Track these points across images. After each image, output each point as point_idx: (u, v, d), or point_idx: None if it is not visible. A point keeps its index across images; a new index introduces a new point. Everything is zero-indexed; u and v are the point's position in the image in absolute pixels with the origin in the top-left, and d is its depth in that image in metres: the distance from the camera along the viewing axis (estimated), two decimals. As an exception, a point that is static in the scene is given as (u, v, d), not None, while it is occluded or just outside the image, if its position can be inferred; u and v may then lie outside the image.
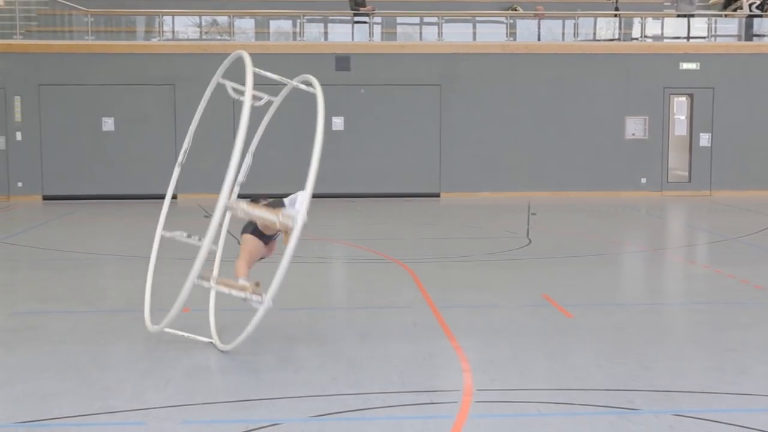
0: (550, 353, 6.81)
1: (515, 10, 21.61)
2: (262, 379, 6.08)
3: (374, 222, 15.90)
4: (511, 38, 20.92)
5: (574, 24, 21.30)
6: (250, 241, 7.12)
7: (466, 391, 5.81)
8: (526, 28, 21.33)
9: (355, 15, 20.69)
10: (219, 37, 21.05)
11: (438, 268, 10.72)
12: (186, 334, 7.04)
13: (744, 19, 21.23)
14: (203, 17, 21.31)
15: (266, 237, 7.14)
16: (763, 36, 21.37)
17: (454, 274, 10.38)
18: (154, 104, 20.03)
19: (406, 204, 18.65)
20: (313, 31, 21.16)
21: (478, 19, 21.37)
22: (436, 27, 21.07)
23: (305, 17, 20.75)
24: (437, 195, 20.03)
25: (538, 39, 21.02)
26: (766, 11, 21.33)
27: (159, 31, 20.81)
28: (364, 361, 6.51)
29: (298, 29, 20.79)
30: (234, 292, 6.49)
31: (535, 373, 6.30)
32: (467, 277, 10.13)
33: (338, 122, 19.76)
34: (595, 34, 21.64)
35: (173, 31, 21.05)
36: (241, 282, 6.63)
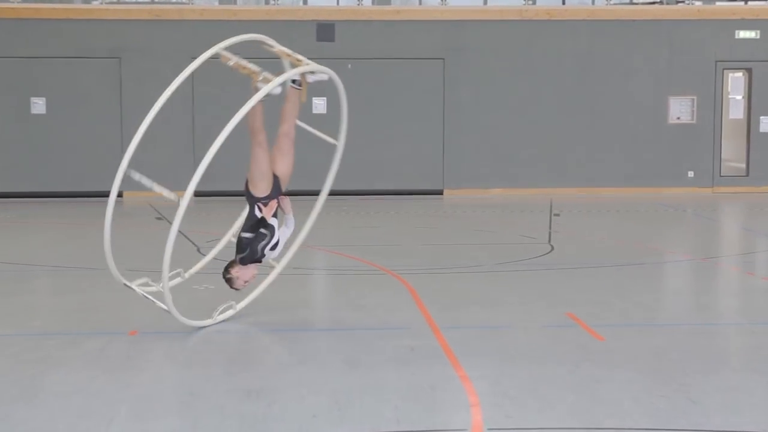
0: (577, 384, 6.83)
1: (535, -33, 21.69)
2: (228, 416, 6.09)
3: (364, 225, 15.92)
4: (530, 2, 20.97)
5: (607, -16, 21.38)
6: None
7: (474, 430, 5.83)
8: (549, -11, 21.42)
9: (341, -27, 20.76)
10: (174, 0, 21.06)
11: (440, 281, 10.75)
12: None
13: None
14: (155, -25, 21.32)
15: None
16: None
17: (459, 288, 10.40)
18: (96, 81, 20.04)
19: (403, 203, 18.67)
20: (289, -8, 21.23)
21: (490, -22, 21.44)
22: (440, -12, 21.13)
23: (280, -24, 20.80)
24: (440, 192, 20.08)
25: (563, 2, 21.08)
26: None
27: (101, -7, 20.80)
28: (351, 394, 6.51)
29: (271, -10, 20.84)
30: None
31: (558, 408, 6.31)
32: (475, 292, 10.15)
33: (320, 104, 19.79)
34: (632, -5, 21.73)
35: (118, -7, 21.06)
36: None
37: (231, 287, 8.24)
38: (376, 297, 9.86)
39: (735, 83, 20.88)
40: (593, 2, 21.38)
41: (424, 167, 20.12)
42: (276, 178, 8.37)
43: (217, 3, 20.89)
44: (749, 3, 21.23)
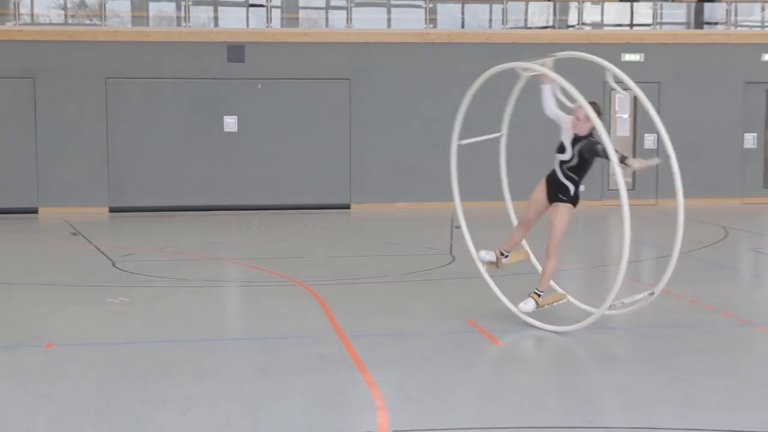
0: (478, 387, 6.92)
1: (435, -8, 21.89)
2: (143, 423, 6.02)
3: (274, 239, 15.87)
4: (431, 25, 21.18)
5: (503, 9, 21.67)
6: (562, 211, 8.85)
7: (381, 433, 5.86)
8: (449, 13, 21.61)
9: (250, -3, 20.69)
10: (88, 22, 20.77)
11: (348, 291, 10.77)
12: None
13: (693, 5, 21.90)
14: (69, -3, 21.00)
15: None
16: (715, 24, 22.09)
17: (366, 297, 10.44)
18: (9, 101, 19.62)
19: (311, 217, 18.66)
20: (201, 15, 21.07)
21: (393, 2, 21.58)
22: (345, 12, 21.20)
23: (191, 0, 20.65)
24: (347, 207, 20.11)
25: (462, 26, 21.31)
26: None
27: (14, 14, 20.41)
28: (262, 400, 6.50)
29: (183, 13, 20.66)
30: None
31: (459, 409, 6.38)
32: (381, 301, 10.20)
33: (230, 122, 19.67)
34: (526, 21, 22.05)
35: (32, 14, 20.69)
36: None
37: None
38: (286, 307, 9.85)
39: (621, 103, 21.34)
40: (491, 26, 21.66)
41: (331, 183, 20.14)
42: None
43: (130, 25, 20.65)
44: (634, 28, 21.74)
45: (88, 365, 7.31)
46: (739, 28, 22.08)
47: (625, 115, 21.37)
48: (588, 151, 8.46)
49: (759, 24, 22.35)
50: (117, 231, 16.37)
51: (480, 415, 6.29)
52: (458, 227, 16.48)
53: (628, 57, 20.91)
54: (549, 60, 8.82)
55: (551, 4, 21.77)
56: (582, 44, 20.90)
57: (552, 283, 9.27)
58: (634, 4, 21.87)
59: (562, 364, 7.55)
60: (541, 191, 9.12)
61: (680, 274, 12.07)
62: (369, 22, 21.19)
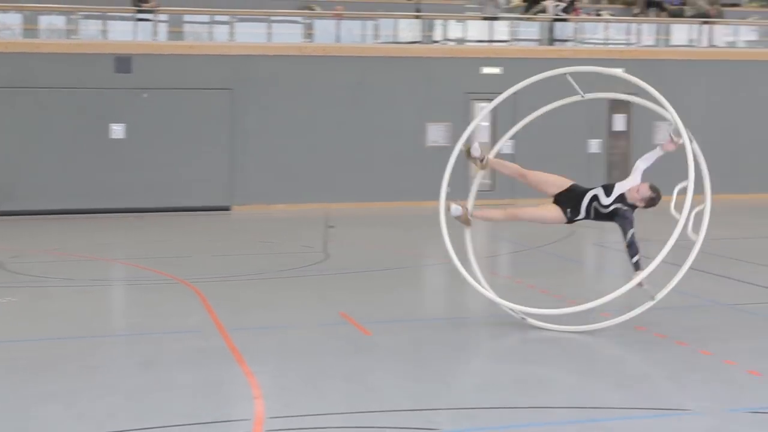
0: (348, 375, 6.95)
1: (312, 9, 21.85)
2: (31, 418, 5.86)
3: (157, 239, 15.56)
4: (309, 39, 21.14)
5: (375, 25, 21.77)
6: (544, 209, 8.42)
7: (257, 420, 5.83)
8: (325, 29, 21.61)
9: (138, 11, 20.27)
10: (-22, 33, 20.05)
11: (228, 288, 10.67)
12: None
13: (546, 24, 22.41)
14: (-42, 10, 20.25)
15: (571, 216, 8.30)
16: (565, 41, 22.65)
17: (245, 293, 10.36)
18: None
19: (195, 219, 18.40)
20: (89, 28, 20.56)
21: (272, 18, 21.45)
22: (228, 26, 20.97)
23: (80, 13, 20.13)
24: (228, 208, 19.89)
25: (337, 41, 21.34)
26: (570, 13, 22.60)
27: None
28: (146, 393, 6.41)
29: (72, 26, 20.14)
30: None
31: (331, 396, 6.41)
32: (260, 297, 10.14)
33: (118, 130, 19.24)
34: (396, 36, 22.22)
35: None
36: None
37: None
38: (169, 304, 9.70)
39: (481, 112, 21.64)
40: (363, 41, 21.73)
41: (213, 186, 19.88)
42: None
43: (21, 37, 20.02)
44: (492, 44, 22.12)
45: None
46: (585, 45, 22.70)
47: (485, 123, 21.69)
48: (618, 216, 8.09)
49: (603, 41, 23.02)
50: (4, 234, 15.84)
51: (349, 400, 6.32)
52: (332, 227, 16.56)
53: (487, 70, 21.24)
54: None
55: (419, 21, 21.99)
56: (446, 58, 21.21)
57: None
58: (493, 22, 22.25)
59: (426, 352, 7.64)
60: (559, 185, 8.54)
61: (532, 266, 12.39)
62: (250, 36, 21.04)
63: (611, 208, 8.09)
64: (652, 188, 8.05)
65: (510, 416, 6.08)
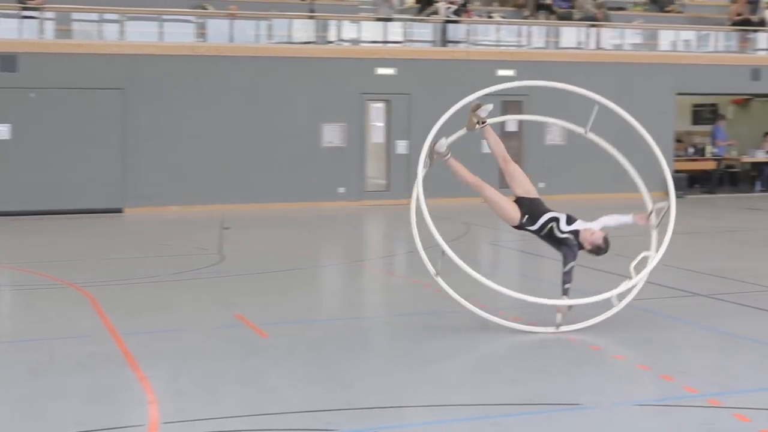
0: (244, 377, 6.87)
1: (205, 8, 21.57)
2: None
3: (45, 243, 15.11)
4: (201, 39, 20.86)
5: (269, 25, 21.62)
6: (507, 201, 8.55)
7: (151, 425, 5.72)
8: (218, 28, 21.36)
9: (23, 9, 19.69)
10: None
11: (120, 291, 10.44)
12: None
13: (439, 25, 22.60)
14: None
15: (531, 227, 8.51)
16: (458, 42, 22.88)
17: (138, 297, 10.15)
18: None
19: (85, 221, 17.96)
20: (-29, 26, 19.89)
21: (164, 17, 21.08)
22: (118, 25, 20.54)
23: (-39, 9, 19.46)
24: (120, 210, 19.48)
25: (231, 41, 21.12)
26: (462, 15, 22.82)
27: None
28: (34, 400, 6.22)
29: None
30: None
31: (227, 399, 6.32)
32: (153, 300, 9.95)
33: (3, 130, 18.67)
34: (290, 36, 22.10)
35: None
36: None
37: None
38: (59, 309, 9.43)
39: (376, 112, 21.71)
40: (257, 41, 21.55)
41: (104, 188, 19.44)
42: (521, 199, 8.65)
43: None
44: (387, 45, 22.20)
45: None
46: (477, 47, 22.98)
47: (380, 123, 21.78)
48: (567, 246, 8.37)
49: (495, 43, 23.34)
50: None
51: (245, 402, 6.25)
52: (227, 228, 16.38)
53: (381, 71, 21.31)
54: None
55: (313, 21, 21.91)
56: (341, 58, 21.20)
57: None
58: (387, 23, 22.33)
59: (323, 353, 7.61)
60: (527, 190, 8.67)
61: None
62: (142, 35, 20.64)
63: (565, 236, 8.41)
64: (605, 240, 8.47)
65: (408, 415, 6.10)
